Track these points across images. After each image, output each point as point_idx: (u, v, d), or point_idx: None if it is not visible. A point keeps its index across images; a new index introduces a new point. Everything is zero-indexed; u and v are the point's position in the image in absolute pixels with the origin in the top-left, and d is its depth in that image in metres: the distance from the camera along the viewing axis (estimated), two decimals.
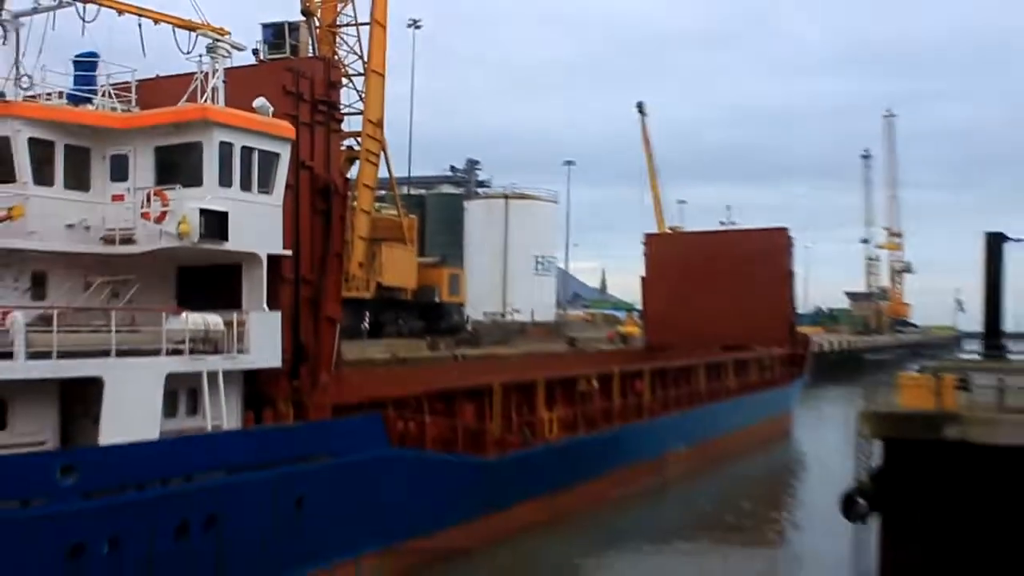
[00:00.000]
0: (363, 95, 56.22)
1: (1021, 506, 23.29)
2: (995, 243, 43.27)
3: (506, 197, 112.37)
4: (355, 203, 55.85)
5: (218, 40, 28.83)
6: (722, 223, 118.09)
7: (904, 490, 26.54)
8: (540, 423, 41.33)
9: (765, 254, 74.86)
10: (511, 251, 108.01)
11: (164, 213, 26.21)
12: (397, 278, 71.04)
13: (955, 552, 25.40)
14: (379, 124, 57.38)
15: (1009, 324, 45.77)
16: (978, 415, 25.77)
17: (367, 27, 56.96)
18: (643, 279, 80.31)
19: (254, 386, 28.92)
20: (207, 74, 28.33)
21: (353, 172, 55.40)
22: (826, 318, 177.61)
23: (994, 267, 43.16)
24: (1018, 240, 43.98)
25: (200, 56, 28.71)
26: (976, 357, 42.77)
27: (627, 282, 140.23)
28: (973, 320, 54.90)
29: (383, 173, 62.99)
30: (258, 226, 28.17)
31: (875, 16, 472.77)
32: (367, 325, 66.96)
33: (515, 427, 39.68)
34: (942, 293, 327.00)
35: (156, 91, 28.97)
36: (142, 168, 27.55)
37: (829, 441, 59.77)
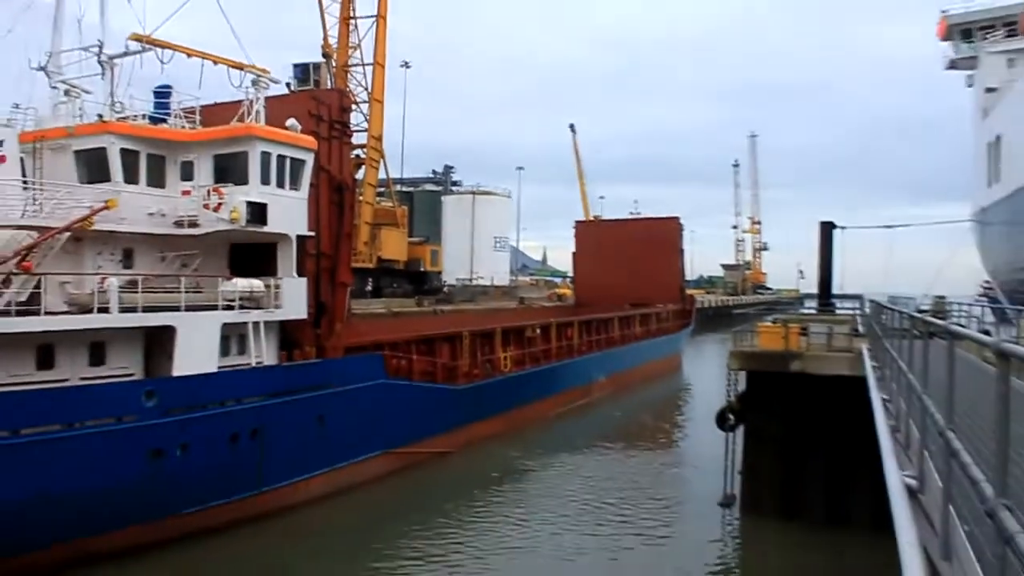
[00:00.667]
0: (367, 117, 56.18)
1: (841, 417, 23.65)
2: (827, 229, 43.90)
3: (473, 193, 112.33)
4: (361, 197, 55.74)
5: (260, 76, 28.64)
6: (631, 213, 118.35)
7: (761, 408, 26.90)
8: (498, 360, 41.50)
9: (662, 236, 75.19)
10: (476, 233, 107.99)
11: (220, 204, 26.16)
12: (392, 253, 71.04)
13: (795, 452, 25.84)
14: (379, 138, 57.57)
15: (836, 288, 46.26)
16: (814, 353, 26.13)
17: (371, 67, 56.97)
18: (574, 254, 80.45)
19: (286, 333, 28.92)
20: (252, 101, 28.22)
21: (360, 174, 55.14)
22: (706, 283, 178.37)
23: (826, 246, 43.77)
24: (843, 228, 44.58)
25: (247, 88, 28.57)
26: (813, 312, 43.18)
27: (563, 256, 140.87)
28: (811, 284, 55.38)
29: (382, 175, 63.17)
30: (289, 214, 28.11)
31: (739, 64, 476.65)
32: (370, 288, 66.99)
33: (479, 363, 39.84)
34: (788, 264, 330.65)
35: (215, 113, 28.74)
36: (204, 170, 27.38)
37: (707, 373, 60.23)
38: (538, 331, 47.11)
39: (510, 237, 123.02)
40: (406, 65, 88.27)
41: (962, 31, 58.81)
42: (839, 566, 21.34)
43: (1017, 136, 43.56)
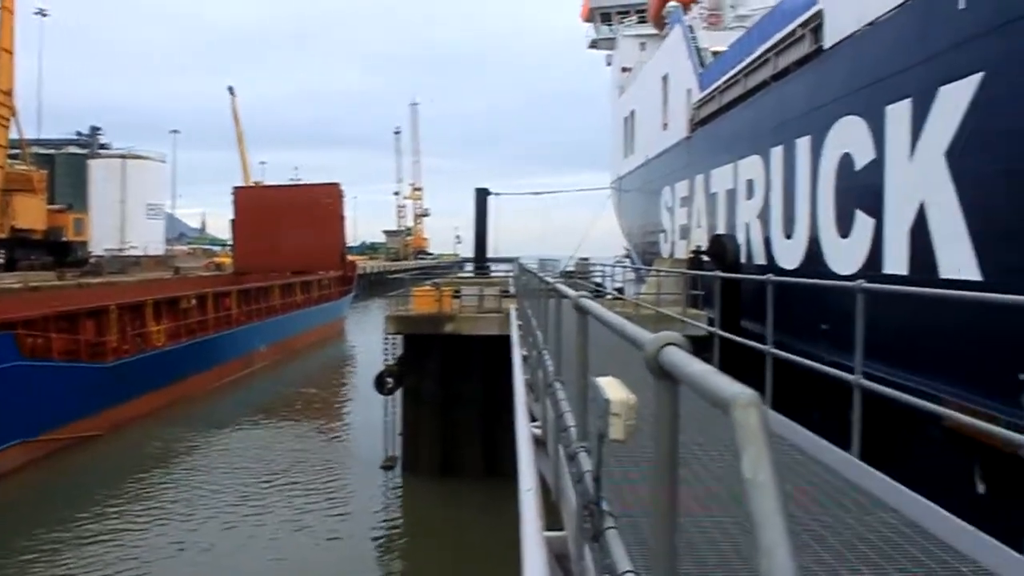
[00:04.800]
0: None
1: (493, 374, 24.76)
2: (482, 196, 45.86)
3: (124, 157, 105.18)
4: None
5: None
6: (292, 179, 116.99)
7: (418, 370, 27.62)
8: (150, 334, 39.35)
9: (323, 202, 74.69)
10: (127, 200, 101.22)
11: None
12: (29, 222, 65.50)
13: (452, 411, 26.85)
14: (9, 93, 52.01)
15: (492, 251, 48.53)
16: (465, 315, 27.20)
17: None
18: (233, 221, 77.91)
19: None
20: None
21: None
22: (369, 249, 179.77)
23: (481, 212, 45.70)
24: (497, 194, 46.79)
25: None
26: (470, 275, 44.98)
27: (222, 224, 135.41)
28: (469, 249, 57.95)
29: (14, 135, 57.74)
30: None
31: (404, 33, 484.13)
32: (3, 260, 61.30)
33: (129, 338, 37.53)
34: (450, 229, 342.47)
35: None
36: None
37: (370, 338, 60.69)
38: (194, 302, 45.23)
39: (166, 204, 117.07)
40: (42, 13, 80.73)
41: (602, 14, 64.34)
42: (489, 515, 22.44)
43: (646, 112, 47.74)
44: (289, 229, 70.28)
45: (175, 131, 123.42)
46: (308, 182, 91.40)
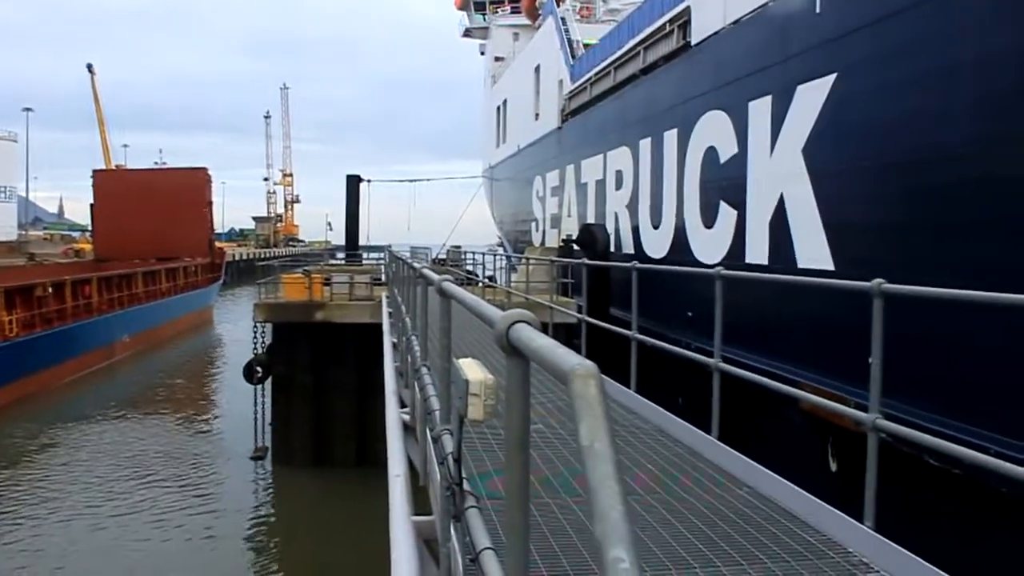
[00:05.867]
0: None
1: (366, 362, 24.69)
2: (353, 182, 45.48)
3: None
4: None
5: None
6: (156, 163, 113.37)
7: (288, 359, 27.27)
8: (1, 324, 37.50)
9: (189, 187, 72.59)
10: None
11: None
12: None
13: (324, 399, 26.63)
14: None
15: (364, 239, 48.17)
16: (336, 303, 27.01)
17: None
18: (92, 206, 74.95)
19: None
20: None
21: None
22: (238, 236, 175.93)
23: (353, 199, 45.33)
24: (369, 181, 46.49)
25: None
26: (341, 262, 44.51)
27: (82, 208, 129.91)
28: (341, 236, 57.48)
29: None
30: None
31: (269, 14, 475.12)
32: None
33: None
34: (321, 216, 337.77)
35: None
36: None
37: (240, 327, 59.48)
38: (50, 290, 43.29)
39: (18, 187, 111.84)
40: None
41: (476, 3, 64.56)
42: (362, 503, 22.35)
43: (519, 102, 48.12)
44: (153, 215, 67.91)
45: (28, 109, 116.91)
46: (174, 166, 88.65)
